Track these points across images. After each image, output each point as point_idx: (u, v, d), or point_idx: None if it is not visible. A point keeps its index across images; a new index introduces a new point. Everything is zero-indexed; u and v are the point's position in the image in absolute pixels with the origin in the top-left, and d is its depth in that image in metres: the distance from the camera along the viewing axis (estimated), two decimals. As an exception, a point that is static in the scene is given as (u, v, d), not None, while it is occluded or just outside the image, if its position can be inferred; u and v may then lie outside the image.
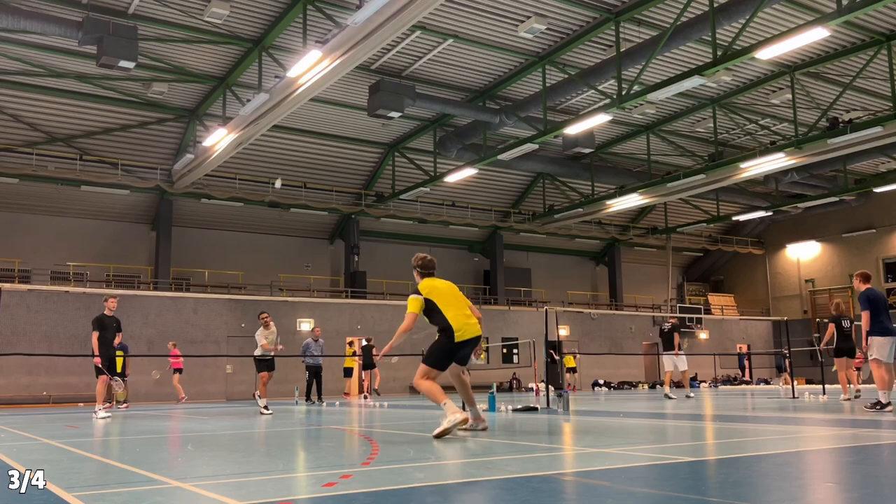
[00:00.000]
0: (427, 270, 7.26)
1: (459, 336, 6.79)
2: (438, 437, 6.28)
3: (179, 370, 21.20)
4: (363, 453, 5.65)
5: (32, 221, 26.92)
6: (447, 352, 6.88)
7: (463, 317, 6.89)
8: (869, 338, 10.10)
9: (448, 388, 7.25)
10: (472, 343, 7.00)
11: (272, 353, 13.38)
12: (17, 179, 24.62)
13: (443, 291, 7.02)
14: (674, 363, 17.51)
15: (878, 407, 9.85)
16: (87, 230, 27.86)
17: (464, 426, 6.59)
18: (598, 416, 10.23)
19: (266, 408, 12.92)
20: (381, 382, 28.42)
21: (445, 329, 6.83)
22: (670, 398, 16.61)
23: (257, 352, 13.31)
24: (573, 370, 29.42)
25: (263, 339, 13.30)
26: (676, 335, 17.62)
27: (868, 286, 10.40)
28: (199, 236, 29.77)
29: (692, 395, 17.99)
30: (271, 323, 13.55)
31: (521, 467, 4.53)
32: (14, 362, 21.69)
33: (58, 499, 3.58)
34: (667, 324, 18.11)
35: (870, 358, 10.13)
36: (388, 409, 14.12)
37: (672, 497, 3.40)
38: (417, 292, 7.02)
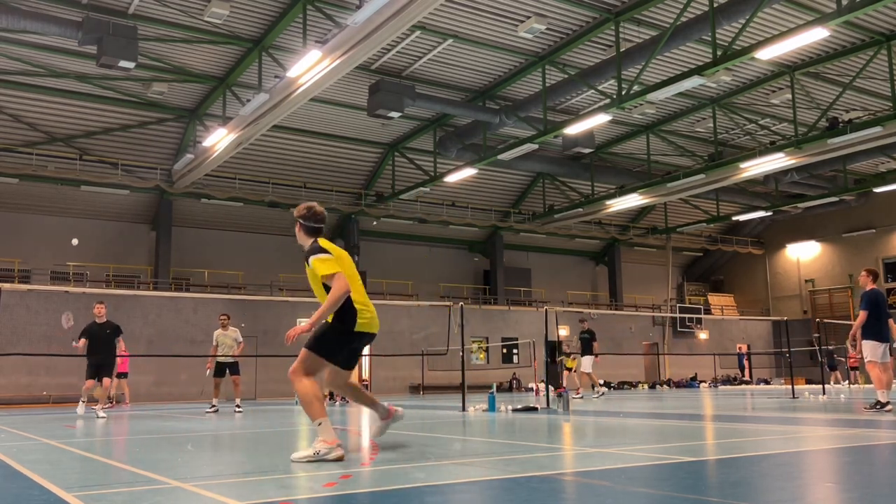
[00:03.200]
0: (318, 225, 5.48)
1: (362, 325, 5.27)
2: (297, 461, 4.92)
3: (125, 374, 18.98)
4: (363, 453, 5.65)
5: (32, 221, 26.91)
6: (343, 342, 5.32)
7: (366, 300, 5.39)
8: (862, 341, 10.15)
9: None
10: (368, 340, 5.44)
11: (231, 357, 13.89)
12: (17, 179, 24.60)
13: (346, 262, 5.38)
14: (590, 364, 18.60)
15: (877, 407, 9.86)
16: (87, 230, 27.83)
17: (341, 460, 4.91)
18: (598, 416, 10.23)
19: (213, 406, 13.55)
20: (381, 381, 28.46)
21: (347, 311, 5.22)
22: (583, 398, 17.79)
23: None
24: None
25: (214, 342, 13.86)
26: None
27: (874, 286, 10.35)
28: (199, 236, 29.76)
29: (583, 396, 18.82)
30: (228, 325, 13.93)
31: (521, 467, 4.53)
32: (14, 362, 21.67)
33: (58, 499, 3.58)
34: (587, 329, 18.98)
35: (865, 360, 10.17)
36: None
37: (672, 497, 3.40)
38: (320, 249, 5.24)
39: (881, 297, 10.25)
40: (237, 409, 13.62)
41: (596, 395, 18.58)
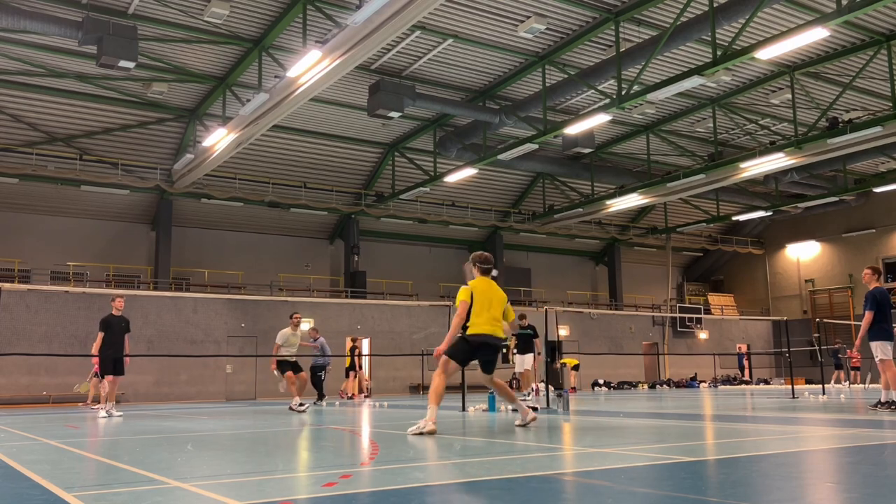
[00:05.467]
0: (485, 266, 7.61)
1: (470, 331, 7.22)
2: (409, 433, 6.82)
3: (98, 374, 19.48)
4: (363, 453, 5.65)
5: (32, 221, 26.91)
6: (462, 347, 7.30)
7: (482, 320, 7.24)
8: (871, 342, 10.06)
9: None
10: (488, 348, 7.32)
11: (293, 356, 13.68)
12: (17, 179, 24.60)
13: (479, 292, 7.37)
14: (524, 363, 17.60)
15: (893, 407, 9.76)
16: (87, 230, 27.84)
17: (431, 433, 6.80)
18: (598, 416, 10.23)
19: (301, 405, 13.09)
20: (382, 381, 28.45)
21: (466, 326, 7.29)
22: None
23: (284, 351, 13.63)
24: (576, 367, 28.96)
25: (280, 340, 13.54)
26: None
27: (878, 284, 10.24)
28: (199, 236, 29.76)
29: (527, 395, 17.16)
30: (299, 326, 13.79)
31: (521, 467, 4.53)
32: (14, 362, 21.68)
33: (58, 499, 3.58)
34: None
35: (877, 360, 10.05)
36: (387, 409, 14.12)
37: (672, 497, 3.40)
38: (464, 284, 7.49)
39: (885, 296, 10.14)
40: (302, 407, 12.98)
41: (526, 395, 16.64)
